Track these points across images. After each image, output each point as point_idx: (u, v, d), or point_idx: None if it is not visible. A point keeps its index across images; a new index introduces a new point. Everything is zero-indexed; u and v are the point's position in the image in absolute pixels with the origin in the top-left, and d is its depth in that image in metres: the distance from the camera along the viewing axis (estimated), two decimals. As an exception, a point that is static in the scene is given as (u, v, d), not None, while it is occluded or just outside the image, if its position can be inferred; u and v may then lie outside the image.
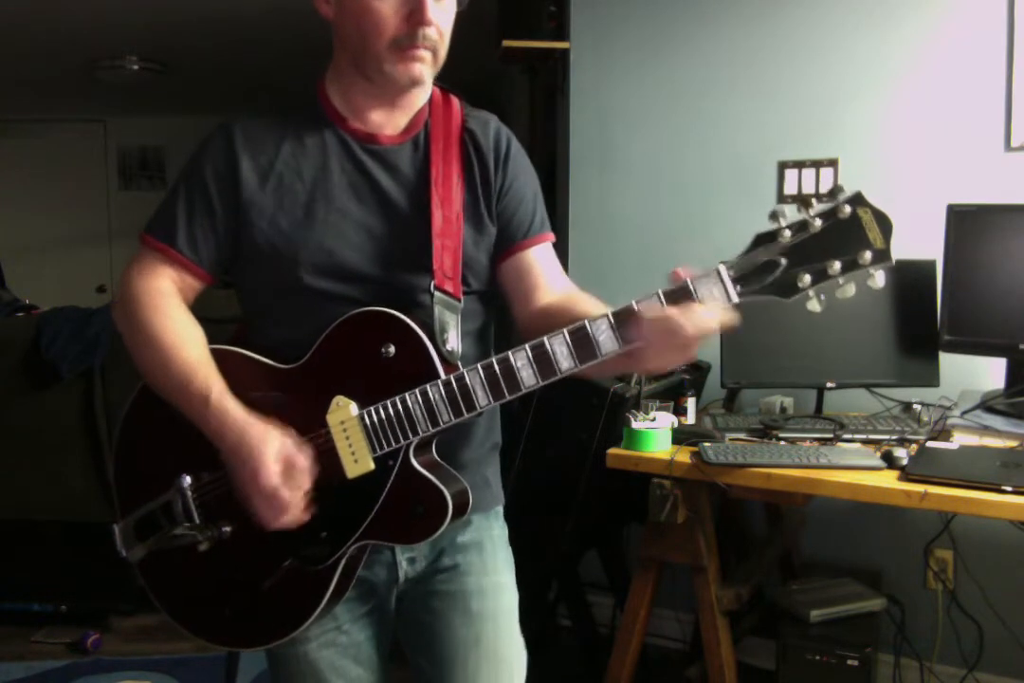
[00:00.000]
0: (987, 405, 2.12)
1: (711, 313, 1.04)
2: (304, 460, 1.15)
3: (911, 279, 2.27)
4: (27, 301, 3.72)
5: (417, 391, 1.14)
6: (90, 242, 6.74)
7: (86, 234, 6.75)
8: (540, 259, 1.34)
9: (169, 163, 6.92)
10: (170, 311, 1.23)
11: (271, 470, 1.12)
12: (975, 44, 2.45)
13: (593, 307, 1.22)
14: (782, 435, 2.09)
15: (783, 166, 2.69)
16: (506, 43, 3.03)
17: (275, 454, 1.13)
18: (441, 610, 1.32)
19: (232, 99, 5.25)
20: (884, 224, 1.02)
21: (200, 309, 1.29)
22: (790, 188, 2.69)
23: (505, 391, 1.12)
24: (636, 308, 1.07)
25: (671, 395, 2.24)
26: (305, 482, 1.14)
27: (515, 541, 1.42)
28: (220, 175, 1.23)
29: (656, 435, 2.04)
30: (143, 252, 1.26)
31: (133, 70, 5.18)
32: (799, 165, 2.67)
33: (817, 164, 2.65)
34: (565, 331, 1.09)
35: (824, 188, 2.64)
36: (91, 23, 4.31)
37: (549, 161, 3.38)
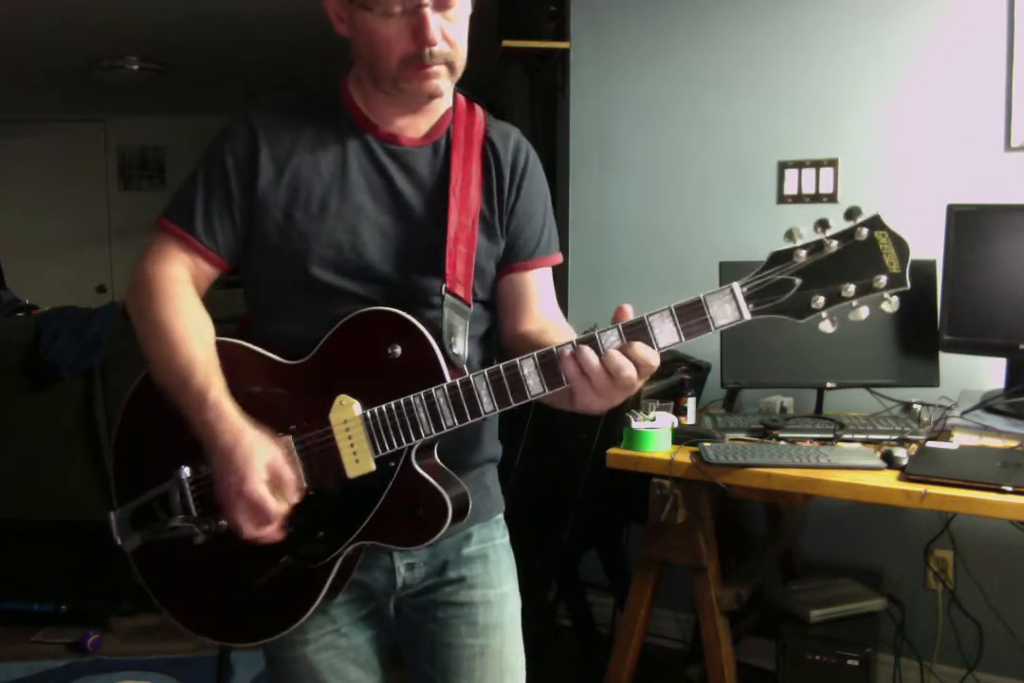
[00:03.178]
0: (987, 405, 2.12)
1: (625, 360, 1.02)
2: (291, 475, 1.13)
3: (911, 279, 2.26)
4: (27, 301, 3.72)
5: (422, 394, 1.13)
6: (90, 242, 6.73)
7: (86, 234, 6.75)
8: (536, 284, 1.33)
9: (169, 163, 6.91)
10: (181, 303, 1.22)
11: (260, 478, 1.10)
12: (975, 44, 2.45)
13: (561, 339, 1.19)
14: (782, 435, 2.09)
15: (783, 166, 2.69)
16: (506, 43, 3.03)
17: (266, 464, 1.11)
18: (447, 621, 1.32)
19: (232, 99, 5.25)
20: (901, 248, 1.00)
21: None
22: (790, 188, 2.68)
23: (511, 398, 1.10)
24: (555, 352, 1.06)
25: (671, 395, 2.24)
26: (290, 497, 1.13)
27: (515, 541, 1.42)
28: (240, 164, 1.22)
29: (656, 435, 2.04)
30: (159, 237, 1.25)
31: (133, 70, 5.18)
32: (799, 165, 2.67)
33: (817, 164, 2.65)
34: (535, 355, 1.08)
35: (824, 188, 2.64)
36: (91, 23, 4.31)
37: (549, 161, 3.38)
